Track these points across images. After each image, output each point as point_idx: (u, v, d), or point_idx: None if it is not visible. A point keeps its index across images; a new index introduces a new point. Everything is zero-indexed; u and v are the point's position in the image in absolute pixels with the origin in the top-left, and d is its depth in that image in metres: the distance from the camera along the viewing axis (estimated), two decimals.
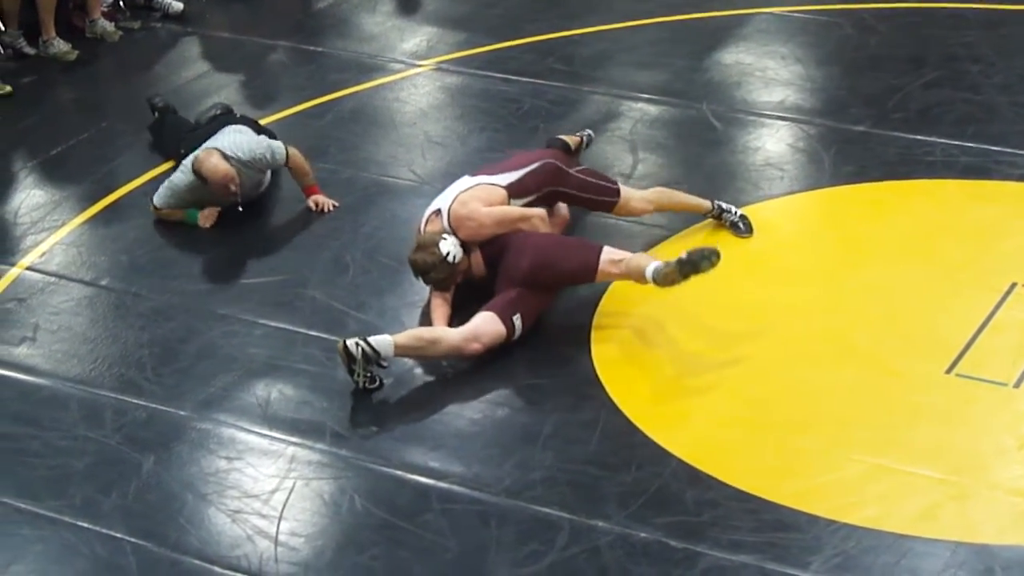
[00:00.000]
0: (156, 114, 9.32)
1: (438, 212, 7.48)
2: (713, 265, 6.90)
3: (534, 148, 8.22)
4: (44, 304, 7.82)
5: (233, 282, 7.94)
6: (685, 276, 6.90)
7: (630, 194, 7.83)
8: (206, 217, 8.38)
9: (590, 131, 8.74)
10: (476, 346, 7.00)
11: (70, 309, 7.78)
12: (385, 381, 6.96)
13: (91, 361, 7.33)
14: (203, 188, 8.29)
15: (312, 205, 8.48)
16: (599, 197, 7.76)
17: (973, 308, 7.20)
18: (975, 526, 5.96)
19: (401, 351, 6.91)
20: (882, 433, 6.49)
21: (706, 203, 7.98)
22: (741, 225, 7.93)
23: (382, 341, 6.84)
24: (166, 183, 8.45)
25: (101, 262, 8.18)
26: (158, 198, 8.44)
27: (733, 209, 7.98)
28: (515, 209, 7.49)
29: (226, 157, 8.22)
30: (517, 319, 7.08)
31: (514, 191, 7.52)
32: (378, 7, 11.26)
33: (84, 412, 6.95)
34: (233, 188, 8.19)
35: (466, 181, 7.56)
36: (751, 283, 7.58)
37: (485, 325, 7.03)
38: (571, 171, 7.70)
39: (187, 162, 8.38)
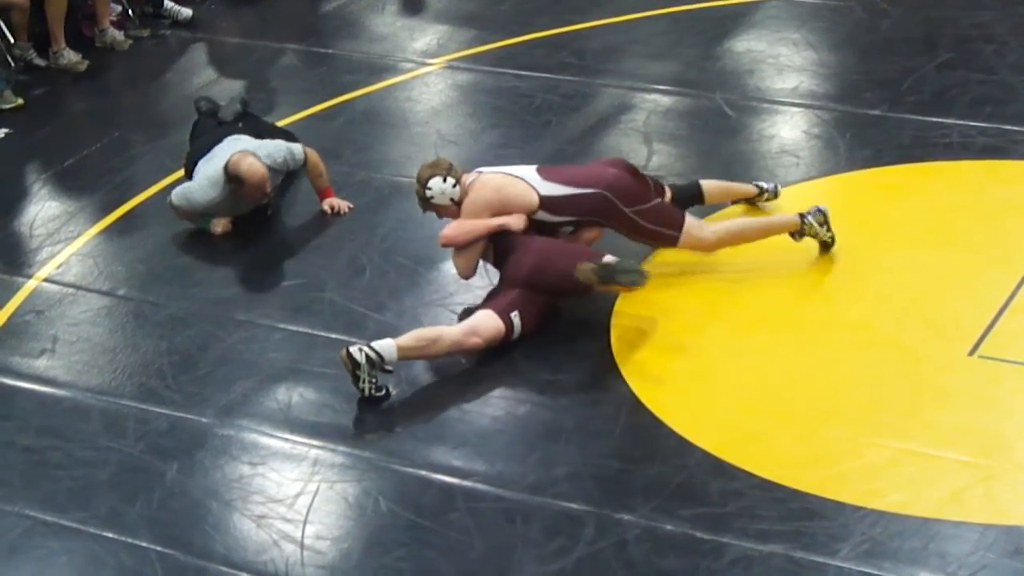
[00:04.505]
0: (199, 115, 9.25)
1: (478, 172, 7.53)
2: (632, 284, 6.88)
3: (597, 154, 8.30)
4: (62, 315, 7.82)
5: (251, 288, 7.94)
6: (602, 282, 6.91)
7: (696, 234, 7.38)
8: (219, 224, 8.37)
9: (775, 184, 8.05)
10: (476, 340, 6.99)
11: (88, 320, 7.79)
12: (393, 389, 6.92)
13: (111, 371, 7.32)
14: (226, 202, 8.28)
15: (327, 208, 8.47)
16: (652, 240, 7.49)
17: (994, 289, 7.17)
18: (1003, 508, 5.93)
19: (404, 353, 6.88)
20: (907, 417, 6.46)
21: (792, 218, 7.46)
22: (828, 239, 7.47)
23: (385, 345, 6.83)
24: (184, 190, 8.38)
25: (118, 272, 8.18)
26: (176, 198, 8.38)
27: (812, 219, 7.41)
28: (487, 224, 7.33)
29: None
30: (515, 316, 7.06)
31: (547, 205, 7.38)
32: (386, 7, 11.26)
33: (106, 422, 6.95)
34: (268, 190, 8.20)
35: (527, 169, 7.48)
36: (771, 271, 7.55)
37: (483, 321, 7.03)
38: (627, 210, 7.30)
39: (207, 175, 8.30)
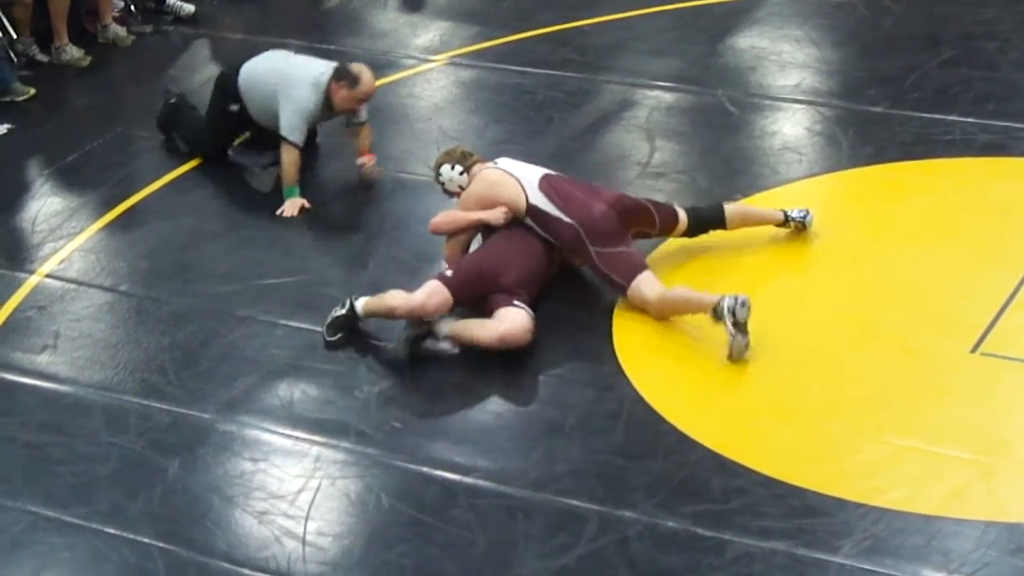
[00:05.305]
0: (169, 106, 9.30)
1: (495, 163, 7.64)
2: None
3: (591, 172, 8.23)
4: (64, 311, 7.82)
5: (252, 283, 7.92)
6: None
7: (642, 290, 7.13)
8: (293, 206, 8.44)
9: (805, 213, 7.68)
10: (431, 301, 7.09)
11: (90, 315, 7.78)
12: (394, 385, 6.98)
13: (113, 367, 7.32)
14: (320, 105, 8.48)
15: (364, 163, 8.69)
16: (607, 284, 7.31)
17: (996, 286, 7.16)
18: (1005, 505, 5.93)
19: (368, 307, 7.20)
20: (909, 414, 6.46)
21: (710, 300, 6.87)
22: (731, 333, 6.78)
23: (360, 303, 7.25)
24: (292, 116, 8.45)
25: (120, 268, 8.18)
26: (296, 137, 8.47)
27: (727, 308, 6.78)
28: (468, 217, 7.50)
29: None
30: (517, 303, 7.11)
31: (532, 214, 7.37)
32: (388, 3, 11.26)
33: (108, 418, 6.95)
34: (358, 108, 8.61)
35: (532, 173, 7.49)
36: (773, 268, 7.56)
37: (507, 315, 7.07)
38: (592, 248, 7.20)
39: (304, 76, 8.49)
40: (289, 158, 8.49)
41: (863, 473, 6.16)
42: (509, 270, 7.21)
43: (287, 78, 8.55)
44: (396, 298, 7.17)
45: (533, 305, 7.22)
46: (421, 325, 7.15)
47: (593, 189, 7.48)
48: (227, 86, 8.82)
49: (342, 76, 8.44)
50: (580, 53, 10.07)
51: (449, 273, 7.21)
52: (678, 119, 9.22)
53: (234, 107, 8.79)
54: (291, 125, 8.46)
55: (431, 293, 7.11)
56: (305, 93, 8.46)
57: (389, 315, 7.19)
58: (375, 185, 8.68)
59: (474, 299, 7.18)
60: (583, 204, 7.30)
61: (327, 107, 8.52)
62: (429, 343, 7.18)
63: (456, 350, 7.15)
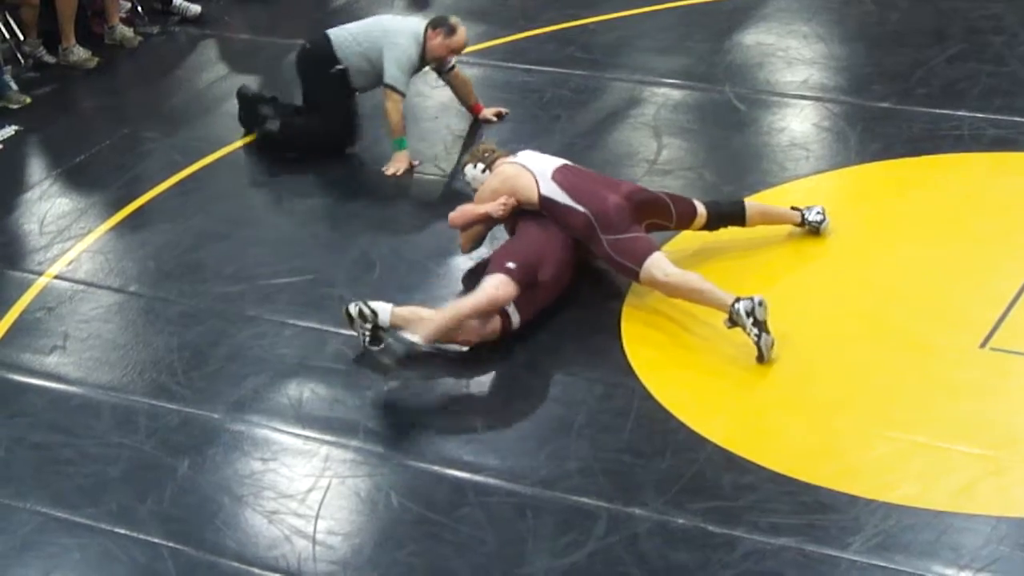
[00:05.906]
0: (275, 131, 9.27)
1: (514, 154, 7.74)
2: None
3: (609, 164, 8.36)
4: (73, 312, 7.83)
5: (261, 284, 7.93)
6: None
7: (653, 272, 7.09)
8: (401, 162, 8.72)
9: (820, 216, 7.65)
10: (471, 325, 7.02)
11: (99, 316, 7.79)
12: (404, 385, 7.00)
13: (122, 367, 7.33)
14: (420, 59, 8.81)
15: (490, 115, 9.22)
16: (618, 271, 7.32)
17: (1005, 281, 7.15)
18: (1014, 500, 5.92)
19: (397, 320, 7.09)
20: (918, 410, 6.46)
21: (726, 299, 6.84)
22: (753, 338, 6.78)
23: (380, 305, 7.11)
24: (396, 65, 8.71)
25: (128, 268, 8.18)
26: (402, 85, 8.74)
27: (741, 307, 6.76)
28: (478, 210, 7.57)
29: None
30: (509, 307, 7.08)
31: (545, 206, 7.38)
32: (395, 2, 11.26)
33: (117, 419, 6.96)
34: (449, 61, 8.99)
35: (547, 165, 7.51)
36: (781, 264, 7.55)
37: (496, 282, 7.08)
38: (603, 236, 7.18)
39: (407, 29, 8.80)
40: (394, 107, 8.75)
41: (873, 469, 6.16)
42: (545, 264, 7.22)
43: (390, 31, 8.86)
44: (461, 308, 7.02)
45: (565, 295, 7.30)
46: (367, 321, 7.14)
47: (610, 181, 7.52)
48: (323, 52, 8.97)
49: (439, 24, 8.78)
50: (586, 51, 10.06)
51: (512, 265, 7.11)
52: (685, 116, 9.22)
53: (339, 67, 8.94)
54: (395, 74, 8.75)
55: (498, 285, 7.05)
56: (408, 42, 8.76)
57: (457, 325, 7.02)
58: (382, 185, 8.68)
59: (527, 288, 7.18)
60: (597, 193, 7.31)
61: (422, 57, 8.81)
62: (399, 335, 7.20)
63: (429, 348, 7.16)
